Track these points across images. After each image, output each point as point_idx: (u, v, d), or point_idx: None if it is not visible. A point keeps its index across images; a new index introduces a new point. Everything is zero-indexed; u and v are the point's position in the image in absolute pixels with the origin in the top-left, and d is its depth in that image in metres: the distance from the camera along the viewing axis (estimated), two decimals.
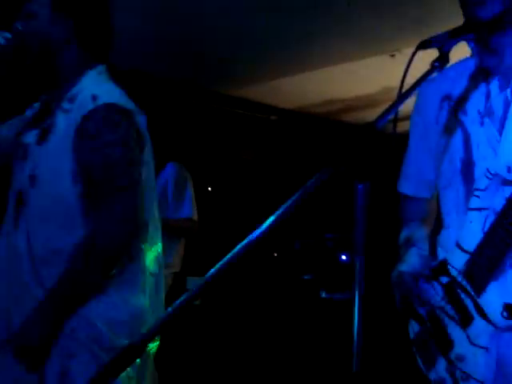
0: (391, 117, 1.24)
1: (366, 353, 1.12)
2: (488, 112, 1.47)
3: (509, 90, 1.45)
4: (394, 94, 1.27)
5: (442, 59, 1.28)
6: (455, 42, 1.32)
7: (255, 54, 4.22)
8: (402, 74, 1.29)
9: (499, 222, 1.38)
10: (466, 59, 1.57)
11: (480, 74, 1.51)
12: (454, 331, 1.49)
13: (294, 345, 4.38)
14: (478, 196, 1.46)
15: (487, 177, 1.44)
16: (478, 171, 1.47)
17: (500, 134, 1.44)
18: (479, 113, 1.49)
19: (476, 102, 1.50)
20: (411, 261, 1.62)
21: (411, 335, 1.63)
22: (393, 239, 1.79)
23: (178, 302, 1.00)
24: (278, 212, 1.06)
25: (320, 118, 5.53)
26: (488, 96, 1.48)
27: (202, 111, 5.01)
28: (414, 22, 3.62)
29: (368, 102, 4.90)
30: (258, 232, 1.06)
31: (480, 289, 1.43)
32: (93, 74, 1.74)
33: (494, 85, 1.48)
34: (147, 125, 1.77)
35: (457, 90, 1.55)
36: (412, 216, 1.77)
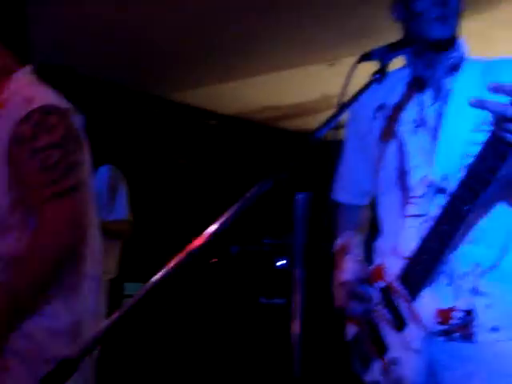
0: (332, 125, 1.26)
1: (306, 358, 1.13)
2: (421, 122, 1.52)
3: (441, 102, 1.51)
4: (333, 102, 1.29)
5: (382, 71, 1.32)
6: (395, 55, 1.36)
7: (194, 58, 4.20)
8: (340, 82, 1.31)
9: (434, 229, 1.41)
10: (401, 69, 1.61)
11: (414, 85, 1.56)
12: (389, 335, 1.52)
13: (235, 351, 4.37)
14: (414, 203, 1.49)
15: (424, 185, 1.48)
16: (413, 179, 1.51)
17: (433, 143, 1.49)
18: (413, 122, 1.54)
19: (410, 112, 1.55)
20: (348, 268, 1.64)
21: (348, 338, 1.66)
22: (331, 245, 1.82)
23: (118, 312, 0.98)
24: (218, 224, 1.05)
25: (259, 124, 5.56)
26: (421, 106, 1.53)
27: (140, 114, 4.94)
28: (354, 32, 3.70)
29: (307, 109, 4.96)
30: (199, 243, 1.05)
31: (415, 294, 1.45)
32: (21, 75, 1.68)
33: (427, 96, 1.53)
34: (84, 126, 1.72)
35: (391, 100, 1.60)
36: (347, 224, 1.80)
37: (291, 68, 4.35)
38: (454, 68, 1.52)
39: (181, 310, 4.56)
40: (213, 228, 1.05)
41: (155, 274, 1.03)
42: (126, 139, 4.77)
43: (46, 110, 1.58)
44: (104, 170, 3.43)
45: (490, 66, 1.53)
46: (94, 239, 1.74)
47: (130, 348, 4.02)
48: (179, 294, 4.58)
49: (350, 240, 1.73)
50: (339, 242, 1.76)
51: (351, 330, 1.65)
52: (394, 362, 1.48)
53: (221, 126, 5.41)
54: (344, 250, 1.70)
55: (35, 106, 1.57)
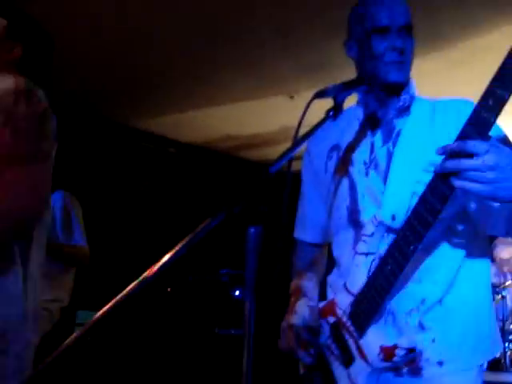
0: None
1: None
2: (372, 163, 1.55)
3: (391, 143, 1.54)
4: (292, 134, 1.32)
5: (336, 109, 1.36)
6: (349, 93, 1.40)
7: (156, 86, 4.21)
8: (299, 114, 1.34)
9: (380, 267, 1.44)
10: (354, 108, 1.63)
11: (367, 125, 1.59)
12: (338, 370, 1.53)
13: (189, 381, 4.31)
14: (365, 241, 1.52)
15: (374, 224, 1.51)
16: (364, 218, 1.54)
17: (384, 184, 1.52)
18: (364, 164, 1.56)
19: (362, 153, 1.57)
20: (301, 312, 1.63)
21: (300, 372, 1.66)
22: (285, 278, 1.83)
23: (67, 341, 0.97)
24: (172, 254, 1.06)
25: (220, 153, 5.59)
26: (372, 148, 1.56)
27: (101, 140, 4.91)
28: (315, 66, 3.78)
29: (267, 140, 5.02)
30: (152, 271, 1.05)
31: (362, 331, 1.47)
32: None
33: (378, 137, 1.56)
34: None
35: (345, 140, 1.63)
36: (304, 264, 1.81)
37: (252, 99, 4.41)
38: (405, 110, 1.55)
39: (136, 337, 4.49)
40: (166, 257, 1.06)
41: (108, 303, 1.03)
42: (84, 165, 4.73)
43: (32, 91, 1.63)
44: (57, 195, 3.37)
45: (437, 106, 1.57)
46: (41, 241, 1.72)
47: (83, 378, 3.92)
48: (135, 321, 4.51)
49: (305, 282, 1.74)
50: (294, 282, 1.77)
51: (303, 365, 1.66)
52: None
53: (181, 154, 5.41)
54: (298, 292, 1.71)
55: (23, 86, 1.62)
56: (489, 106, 1.20)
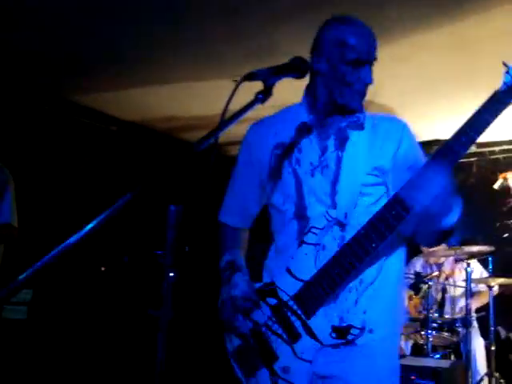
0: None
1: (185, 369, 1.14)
2: (321, 165, 1.73)
3: (340, 149, 1.73)
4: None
5: (266, 92, 1.36)
6: (279, 78, 1.41)
7: (96, 61, 4.11)
8: (244, 98, 1.34)
9: (337, 258, 1.62)
10: (297, 107, 1.80)
11: (312, 129, 1.75)
12: (280, 346, 1.69)
13: (120, 360, 4.29)
14: (315, 233, 1.69)
15: (326, 219, 1.69)
16: (312, 213, 1.71)
17: (333, 184, 1.71)
18: (311, 164, 1.73)
19: (309, 155, 1.74)
20: (237, 284, 1.76)
21: (229, 349, 1.78)
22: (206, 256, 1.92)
23: None
24: (88, 226, 1.05)
25: (160, 133, 5.52)
26: (324, 151, 1.73)
27: (38, 114, 4.76)
28: (260, 50, 3.78)
29: (209, 122, 4.97)
30: (68, 242, 1.04)
31: (310, 312, 1.66)
32: None
33: (331, 142, 1.74)
34: None
35: (289, 139, 1.77)
36: (233, 244, 1.93)
37: (195, 80, 4.37)
38: (360, 125, 1.75)
39: (69, 315, 4.42)
40: (84, 230, 1.05)
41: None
42: (20, 139, 4.58)
43: None
44: None
45: (377, 120, 1.79)
46: None
47: (15, 355, 3.85)
48: (68, 298, 4.44)
49: (237, 258, 1.87)
50: (226, 258, 1.87)
51: (234, 341, 1.77)
52: (286, 369, 1.67)
53: (121, 132, 5.32)
54: (233, 267, 1.83)
55: None
56: (461, 142, 1.52)
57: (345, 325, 1.63)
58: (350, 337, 1.63)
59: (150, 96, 4.73)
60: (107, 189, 4.87)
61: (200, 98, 4.38)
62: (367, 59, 1.67)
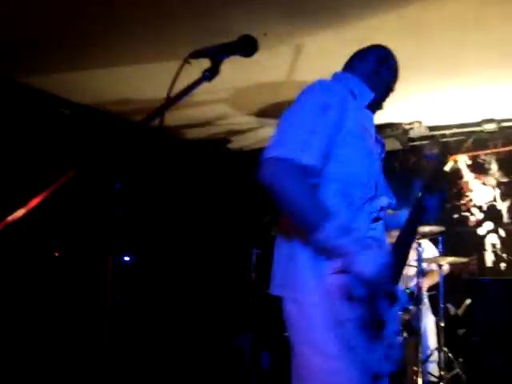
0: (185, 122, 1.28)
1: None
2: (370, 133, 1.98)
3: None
4: (187, 100, 1.32)
5: (213, 70, 1.37)
6: (226, 56, 1.42)
7: (46, 42, 4.02)
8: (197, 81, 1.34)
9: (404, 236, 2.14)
10: (365, 97, 2.05)
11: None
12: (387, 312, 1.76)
13: (73, 345, 4.25)
14: (384, 210, 2.03)
15: (387, 202, 2.01)
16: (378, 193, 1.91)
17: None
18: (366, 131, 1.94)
19: (366, 122, 1.98)
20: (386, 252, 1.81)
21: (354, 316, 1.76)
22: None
23: None
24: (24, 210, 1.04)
25: (115, 116, 5.45)
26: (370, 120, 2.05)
27: None
28: (212, 32, 3.75)
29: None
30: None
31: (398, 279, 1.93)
32: None
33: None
34: None
35: (369, 126, 2.02)
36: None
37: (149, 62, 4.32)
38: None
39: (21, 300, 4.35)
40: (21, 211, 1.04)
41: None
42: None
43: None
44: None
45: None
46: None
47: None
48: (20, 283, 4.36)
49: (341, 219, 1.70)
50: (333, 226, 1.61)
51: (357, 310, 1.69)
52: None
53: (74, 115, 5.22)
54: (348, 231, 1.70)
55: None
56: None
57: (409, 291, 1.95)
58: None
59: (103, 78, 4.65)
60: (60, 173, 4.78)
61: (153, 80, 4.32)
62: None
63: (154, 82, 4.57)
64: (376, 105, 2.09)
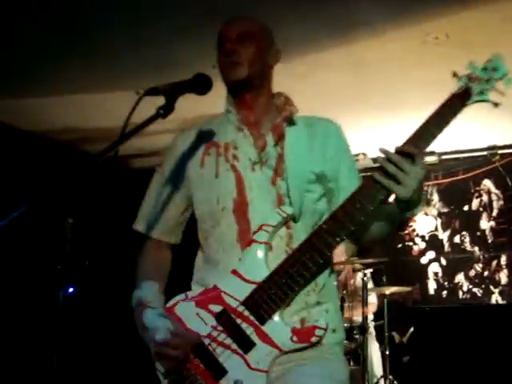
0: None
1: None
2: (262, 160, 1.68)
3: (279, 146, 1.70)
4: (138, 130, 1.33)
5: (167, 107, 1.39)
6: (180, 94, 1.45)
7: None
8: (146, 111, 1.35)
9: (295, 256, 1.55)
10: (222, 115, 1.80)
11: (243, 125, 1.73)
12: (230, 359, 1.55)
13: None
14: (267, 231, 1.60)
15: (281, 216, 1.62)
16: (256, 210, 1.63)
17: (273, 180, 1.66)
18: (249, 160, 1.68)
19: (247, 151, 1.69)
20: (160, 325, 1.59)
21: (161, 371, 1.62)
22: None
23: None
24: None
25: (62, 144, 5.36)
26: (264, 146, 1.70)
27: None
28: (162, 63, 3.80)
29: (112, 134, 4.90)
30: None
31: (266, 317, 1.54)
32: None
33: (270, 137, 1.71)
34: None
35: (222, 139, 1.74)
36: (152, 260, 1.82)
37: (98, 92, 4.31)
38: (291, 121, 1.75)
39: None
40: None
41: None
42: None
43: None
44: None
45: (311, 123, 1.80)
46: None
47: None
48: None
49: (146, 294, 1.71)
50: (136, 295, 1.71)
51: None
52: (239, 383, 1.53)
53: (19, 142, 5.11)
54: (142, 305, 1.67)
55: None
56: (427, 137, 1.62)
57: (309, 325, 1.54)
58: (314, 339, 1.53)
59: (50, 106, 4.60)
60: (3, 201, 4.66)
61: (103, 109, 4.32)
62: None
63: (103, 111, 4.57)
64: None
